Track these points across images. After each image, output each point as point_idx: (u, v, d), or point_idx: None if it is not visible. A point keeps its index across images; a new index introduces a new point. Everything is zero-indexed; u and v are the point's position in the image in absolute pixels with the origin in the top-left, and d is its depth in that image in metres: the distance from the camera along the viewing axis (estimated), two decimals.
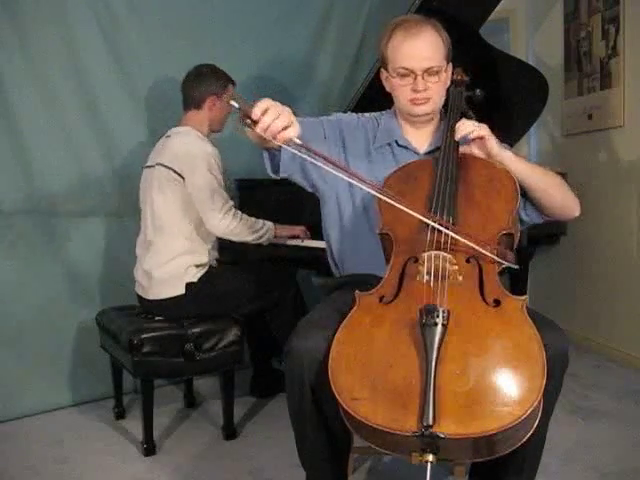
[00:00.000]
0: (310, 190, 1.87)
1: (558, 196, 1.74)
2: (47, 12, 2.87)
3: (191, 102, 2.75)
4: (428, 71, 1.71)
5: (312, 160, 1.46)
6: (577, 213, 1.79)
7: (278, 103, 1.40)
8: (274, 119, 1.36)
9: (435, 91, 1.75)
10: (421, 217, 1.46)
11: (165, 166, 2.59)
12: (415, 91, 1.73)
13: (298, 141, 1.40)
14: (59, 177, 2.93)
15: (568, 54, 3.73)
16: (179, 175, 2.56)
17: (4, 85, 2.79)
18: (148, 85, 3.15)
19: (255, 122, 1.36)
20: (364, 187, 1.48)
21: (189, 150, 2.59)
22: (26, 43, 2.83)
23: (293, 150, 1.44)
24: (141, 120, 3.15)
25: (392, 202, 1.45)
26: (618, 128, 3.36)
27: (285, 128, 1.38)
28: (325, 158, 1.45)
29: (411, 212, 1.46)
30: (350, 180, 1.48)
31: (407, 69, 1.72)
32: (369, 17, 3.79)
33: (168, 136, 2.72)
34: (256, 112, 1.35)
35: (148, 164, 2.73)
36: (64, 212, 2.95)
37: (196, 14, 3.27)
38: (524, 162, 1.69)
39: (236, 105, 1.37)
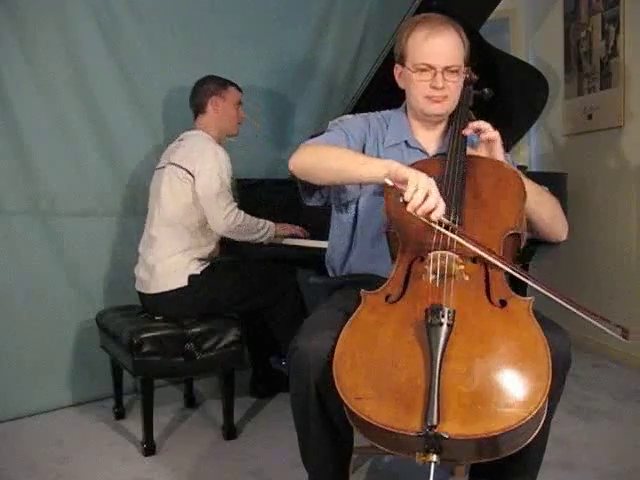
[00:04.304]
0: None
1: (548, 216, 1.75)
2: (47, 12, 2.87)
3: (196, 108, 2.81)
4: (448, 69, 1.71)
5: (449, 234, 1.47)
6: (563, 238, 1.81)
7: (424, 176, 1.42)
8: (424, 200, 1.39)
9: (452, 90, 1.74)
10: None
11: (177, 165, 2.63)
12: (434, 88, 1.72)
13: (445, 220, 1.43)
14: (59, 177, 2.93)
15: (568, 54, 3.73)
16: (190, 174, 2.60)
17: (4, 85, 2.78)
18: (148, 85, 3.15)
19: (406, 202, 1.40)
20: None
21: (201, 151, 2.64)
22: (26, 43, 2.82)
23: (438, 227, 1.45)
24: (141, 120, 3.14)
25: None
26: (618, 128, 3.36)
27: (434, 208, 1.40)
28: (463, 235, 1.48)
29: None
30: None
31: (428, 65, 1.71)
32: (370, 15, 3.81)
33: (181, 139, 2.76)
34: (409, 194, 1.39)
35: (159, 166, 2.77)
36: (64, 212, 2.94)
37: (196, 14, 3.26)
38: (523, 178, 1.68)
39: (390, 183, 1.43)
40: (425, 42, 1.71)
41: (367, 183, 1.67)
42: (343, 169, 1.60)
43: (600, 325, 1.38)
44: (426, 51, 1.71)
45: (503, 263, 1.44)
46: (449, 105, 1.77)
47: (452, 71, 1.72)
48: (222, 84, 2.82)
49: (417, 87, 1.75)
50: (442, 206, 1.41)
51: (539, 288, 1.42)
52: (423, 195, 1.38)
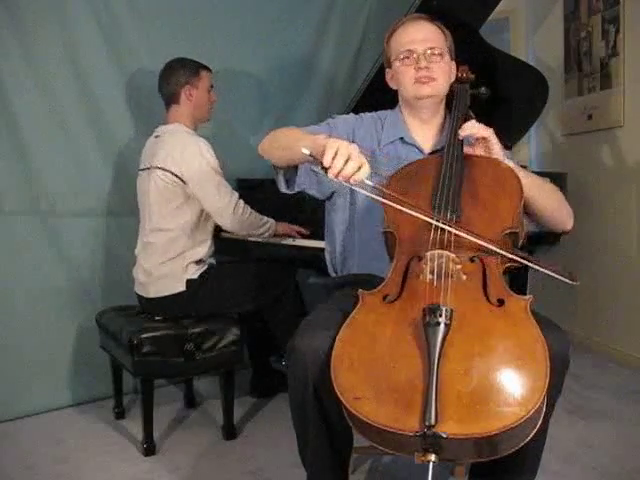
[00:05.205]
0: (322, 199, 1.91)
1: (552, 208, 1.76)
2: (47, 12, 2.87)
3: (168, 99, 2.73)
4: (430, 51, 1.77)
5: (378, 198, 1.48)
6: (569, 227, 1.81)
7: (345, 142, 1.41)
8: (345, 164, 1.38)
9: (438, 72, 1.79)
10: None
11: (161, 168, 2.56)
12: (419, 69, 1.77)
13: (369, 182, 1.43)
14: (59, 177, 2.93)
15: (568, 54, 3.73)
16: (178, 177, 2.54)
17: (4, 85, 2.78)
18: (148, 85, 3.13)
19: (326, 168, 1.39)
20: (425, 217, 1.48)
21: (183, 150, 2.55)
22: (26, 43, 2.82)
23: (363, 191, 1.46)
24: (141, 120, 3.14)
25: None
26: (618, 128, 3.36)
27: (357, 170, 1.40)
28: (389, 195, 1.47)
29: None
30: (412, 213, 1.47)
31: (409, 50, 1.78)
32: (370, 13, 3.82)
33: (157, 136, 2.70)
34: (327, 159, 1.38)
35: (142, 167, 2.72)
36: (64, 212, 2.94)
37: (196, 14, 3.26)
38: (524, 172, 1.70)
39: (307, 152, 1.41)
40: (404, 33, 1.81)
41: (299, 160, 1.65)
42: (286, 146, 1.63)
43: (549, 272, 1.43)
44: (406, 40, 1.80)
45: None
46: (438, 87, 1.81)
47: (434, 54, 1.78)
48: (194, 72, 2.72)
49: (405, 75, 1.80)
50: (365, 169, 1.41)
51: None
52: (343, 159, 1.38)
